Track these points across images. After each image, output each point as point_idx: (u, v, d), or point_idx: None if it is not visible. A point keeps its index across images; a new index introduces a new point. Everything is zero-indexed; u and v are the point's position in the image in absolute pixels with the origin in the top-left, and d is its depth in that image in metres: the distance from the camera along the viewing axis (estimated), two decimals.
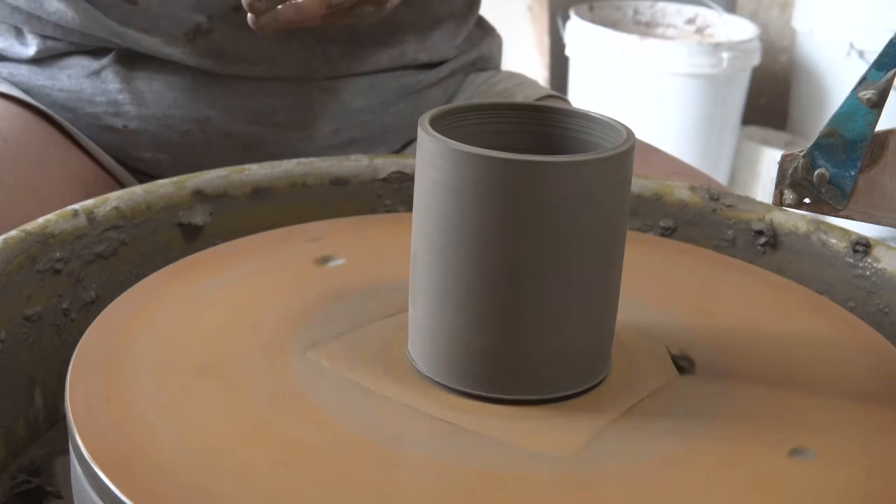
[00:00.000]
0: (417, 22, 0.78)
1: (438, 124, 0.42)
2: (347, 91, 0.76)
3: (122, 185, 0.76)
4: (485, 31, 0.89)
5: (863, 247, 0.59)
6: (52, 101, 0.74)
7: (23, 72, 0.75)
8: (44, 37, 0.73)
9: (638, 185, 0.64)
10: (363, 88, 0.77)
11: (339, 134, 0.77)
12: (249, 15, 0.59)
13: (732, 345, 0.48)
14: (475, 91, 0.84)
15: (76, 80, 0.73)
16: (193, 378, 0.43)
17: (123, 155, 0.75)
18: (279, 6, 0.60)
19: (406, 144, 0.82)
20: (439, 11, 0.80)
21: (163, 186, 0.60)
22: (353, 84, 0.76)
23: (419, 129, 0.42)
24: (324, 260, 0.54)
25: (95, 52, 0.73)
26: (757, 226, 0.62)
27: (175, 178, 0.60)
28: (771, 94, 2.41)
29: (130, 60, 0.73)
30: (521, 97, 0.84)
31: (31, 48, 0.74)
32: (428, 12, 0.79)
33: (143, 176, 0.77)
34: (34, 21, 0.73)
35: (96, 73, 0.73)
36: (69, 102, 0.74)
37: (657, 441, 0.40)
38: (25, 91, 0.75)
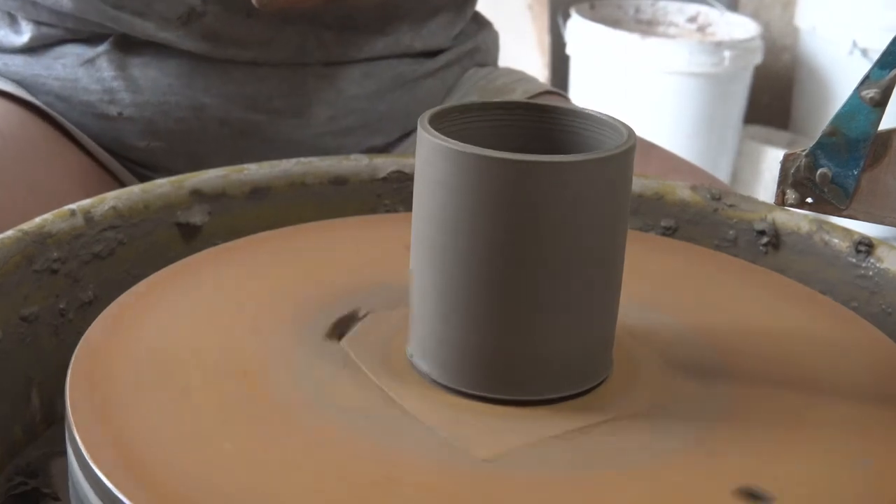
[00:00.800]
0: (413, 11, 0.78)
1: (438, 124, 0.42)
2: (343, 78, 0.76)
3: (117, 181, 0.75)
4: (480, 24, 0.89)
5: (865, 247, 0.58)
6: (48, 91, 0.74)
7: (17, 62, 0.75)
8: (38, 23, 0.73)
9: (639, 184, 0.64)
10: (358, 76, 0.77)
11: (335, 121, 0.77)
12: None
13: (733, 345, 0.48)
14: (473, 86, 0.84)
15: (71, 68, 0.73)
16: (193, 378, 0.42)
17: (118, 145, 0.75)
18: None
19: (404, 136, 0.82)
20: (434, 1, 0.80)
21: (161, 186, 0.60)
22: (348, 71, 0.76)
23: (419, 128, 0.41)
24: (323, 261, 0.54)
25: (90, 39, 0.73)
26: (759, 226, 0.62)
27: (173, 178, 0.60)
28: (773, 93, 2.40)
29: (125, 47, 0.73)
30: (519, 92, 0.84)
31: (24, 35, 0.74)
32: (423, 2, 0.79)
33: (138, 167, 0.77)
34: (28, 7, 0.73)
35: (91, 60, 0.73)
36: (64, 91, 0.74)
37: (657, 442, 0.40)
38: (20, 81, 0.75)
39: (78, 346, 0.45)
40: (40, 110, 0.73)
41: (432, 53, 0.82)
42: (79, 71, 0.73)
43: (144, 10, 0.71)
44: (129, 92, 0.73)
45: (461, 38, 0.85)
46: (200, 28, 0.72)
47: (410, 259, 0.43)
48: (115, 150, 0.76)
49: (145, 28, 0.71)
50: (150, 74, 0.73)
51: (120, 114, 0.73)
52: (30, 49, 0.74)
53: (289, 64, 0.74)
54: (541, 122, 0.45)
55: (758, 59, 2.11)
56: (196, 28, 0.71)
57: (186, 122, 0.74)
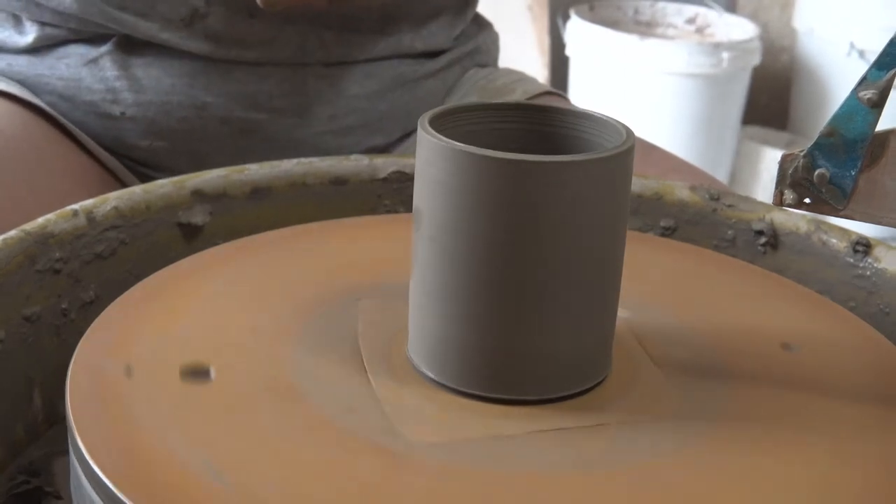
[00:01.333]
0: (414, 12, 0.78)
1: (438, 124, 0.42)
2: (343, 78, 0.77)
3: (119, 181, 0.76)
4: (481, 25, 0.90)
5: (863, 247, 0.59)
6: (51, 90, 0.74)
7: (21, 62, 0.75)
8: (42, 24, 0.74)
9: (638, 184, 0.64)
10: (359, 76, 0.77)
11: (336, 121, 0.77)
12: None
13: (733, 345, 0.48)
14: (474, 86, 0.84)
15: (74, 68, 0.74)
16: (193, 378, 0.43)
17: (120, 144, 0.75)
18: None
19: (404, 136, 0.82)
20: (435, 2, 0.80)
21: (162, 186, 0.60)
22: (349, 71, 0.77)
23: (419, 128, 0.41)
24: (323, 261, 0.54)
25: (93, 39, 0.74)
26: (757, 226, 0.62)
27: (174, 178, 0.60)
28: (771, 94, 2.41)
29: (128, 48, 0.73)
30: (519, 93, 0.84)
31: (28, 36, 0.74)
32: (424, 3, 0.79)
33: (140, 166, 0.77)
34: (32, 8, 0.73)
35: (94, 60, 0.73)
36: (67, 91, 0.74)
37: (656, 442, 0.40)
38: (23, 81, 0.75)
39: (79, 346, 0.45)
40: (43, 111, 0.73)
41: (433, 54, 0.82)
42: (82, 71, 0.73)
43: (147, 12, 0.71)
44: (131, 92, 0.73)
45: (462, 39, 0.85)
46: (203, 29, 0.72)
47: (411, 259, 0.43)
48: (118, 150, 0.76)
49: (148, 29, 0.72)
50: (152, 74, 0.73)
51: (123, 113, 0.74)
52: (33, 49, 0.74)
53: (290, 64, 0.75)
54: (540, 123, 0.46)
55: (756, 60, 2.11)
56: (199, 29, 0.72)
57: (188, 122, 0.74)
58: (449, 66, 0.84)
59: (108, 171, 0.76)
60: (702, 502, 0.37)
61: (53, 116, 0.74)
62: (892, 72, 0.40)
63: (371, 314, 0.48)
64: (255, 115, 0.75)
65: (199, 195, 0.61)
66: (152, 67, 0.73)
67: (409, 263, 0.43)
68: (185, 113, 0.74)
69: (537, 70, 2.09)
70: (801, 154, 0.41)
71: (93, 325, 0.47)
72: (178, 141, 0.75)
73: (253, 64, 0.74)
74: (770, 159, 2.12)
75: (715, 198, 0.63)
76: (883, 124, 0.41)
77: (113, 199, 0.57)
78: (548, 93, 0.87)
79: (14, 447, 0.51)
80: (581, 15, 2.13)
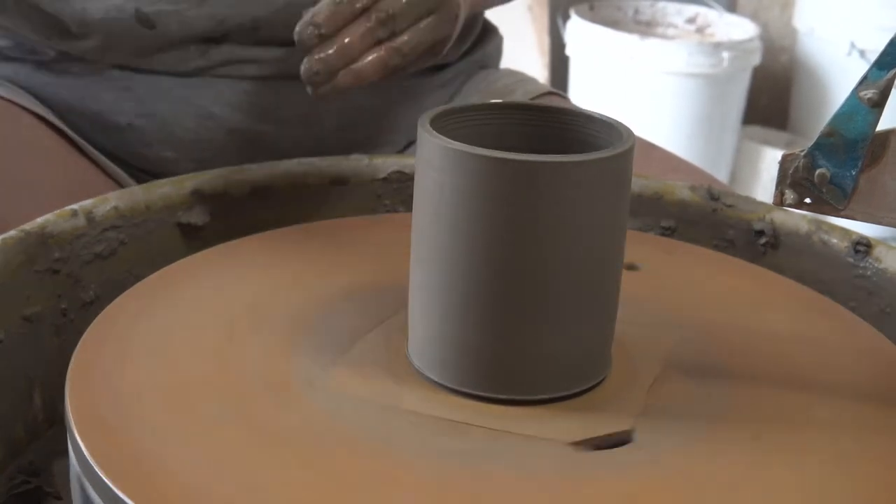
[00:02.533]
0: None
1: (438, 124, 0.42)
2: (351, 90, 0.76)
3: (121, 187, 0.76)
4: (485, 30, 0.89)
5: (864, 247, 0.59)
6: (58, 99, 0.74)
7: (27, 70, 0.75)
8: (59, 50, 0.74)
9: (638, 184, 0.64)
10: (366, 88, 0.77)
11: (343, 132, 0.77)
12: (308, 87, 0.60)
13: (733, 345, 0.48)
14: (475, 88, 0.84)
15: (81, 78, 0.74)
16: (192, 377, 0.43)
17: (126, 153, 0.75)
18: (338, 74, 0.60)
19: (409, 144, 0.82)
20: None
21: (162, 186, 0.60)
22: None
23: (419, 128, 0.42)
24: (323, 260, 0.54)
25: None
26: (758, 226, 0.62)
27: (174, 178, 0.60)
28: (772, 94, 2.41)
29: None
30: (520, 93, 0.84)
31: (44, 56, 0.74)
32: None
33: (145, 175, 0.77)
34: (48, 47, 0.73)
35: (101, 71, 0.73)
36: (73, 100, 0.74)
37: (656, 442, 0.40)
38: (29, 89, 0.75)
39: (78, 346, 0.45)
40: (46, 120, 0.73)
41: (440, 67, 0.82)
42: (89, 80, 0.73)
43: (166, 46, 0.71)
44: (138, 102, 0.73)
45: (468, 49, 0.85)
46: (218, 54, 0.72)
47: (410, 259, 0.43)
48: (123, 158, 0.76)
49: (163, 61, 0.71)
50: (159, 85, 0.73)
51: (129, 124, 0.74)
52: (44, 63, 0.75)
53: (298, 76, 0.74)
54: (541, 123, 0.46)
55: (756, 59, 2.11)
56: (214, 54, 0.72)
57: (195, 132, 0.74)
58: (455, 78, 0.84)
59: (110, 178, 0.75)
60: (699, 502, 0.37)
61: (56, 125, 0.73)
62: (892, 71, 0.39)
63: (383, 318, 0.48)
64: (261, 125, 0.75)
65: (198, 195, 0.61)
66: (159, 77, 0.73)
67: (408, 263, 0.43)
68: (191, 123, 0.74)
69: (537, 70, 2.09)
70: (802, 154, 0.41)
71: (92, 324, 0.47)
72: (183, 150, 0.75)
73: (261, 77, 0.74)
74: (770, 159, 2.12)
75: (715, 198, 0.63)
76: (883, 124, 0.41)
77: (113, 199, 0.57)
78: (548, 93, 0.87)
79: (14, 447, 0.51)
80: (581, 15, 2.12)
